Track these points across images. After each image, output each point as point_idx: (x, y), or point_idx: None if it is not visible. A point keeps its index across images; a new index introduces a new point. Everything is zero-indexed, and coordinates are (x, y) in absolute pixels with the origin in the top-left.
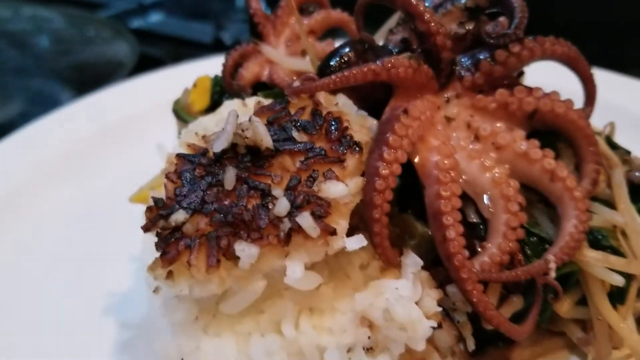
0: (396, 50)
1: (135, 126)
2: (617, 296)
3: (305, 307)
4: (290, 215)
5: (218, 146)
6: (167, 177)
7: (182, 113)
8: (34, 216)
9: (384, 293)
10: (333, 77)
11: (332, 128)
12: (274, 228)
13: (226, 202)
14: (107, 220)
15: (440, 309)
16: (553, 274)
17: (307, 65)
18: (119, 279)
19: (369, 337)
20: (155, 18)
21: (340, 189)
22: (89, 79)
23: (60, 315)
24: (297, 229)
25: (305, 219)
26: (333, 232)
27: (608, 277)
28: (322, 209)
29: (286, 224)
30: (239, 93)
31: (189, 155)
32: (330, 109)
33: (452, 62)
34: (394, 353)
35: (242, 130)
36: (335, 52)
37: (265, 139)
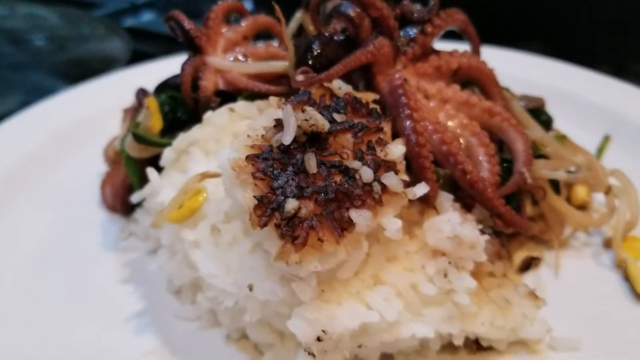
0: (341, 38)
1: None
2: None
3: (385, 258)
4: (375, 179)
5: (288, 139)
6: (253, 176)
7: (146, 136)
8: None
9: (443, 226)
10: (342, 63)
11: (358, 105)
12: (368, 193)
13: (320, 184)
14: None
15: (480, 226)
16: (530, 181)
17: (269, 66)
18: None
19: (449, 262)
20: (147, 17)
21: (400, 149)
22: (85, 73)
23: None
24: (384, 188)
25: (391, 178)
26: (409, 185)
27: (553, 175)
28: (392, 169)
29: (377, 187)
30: (206, 105)
31: (261, 154)
32: (340, 92)
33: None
34: (468, 269)
35: (306, 120)
36: (308, 47)
37: (326, 124)
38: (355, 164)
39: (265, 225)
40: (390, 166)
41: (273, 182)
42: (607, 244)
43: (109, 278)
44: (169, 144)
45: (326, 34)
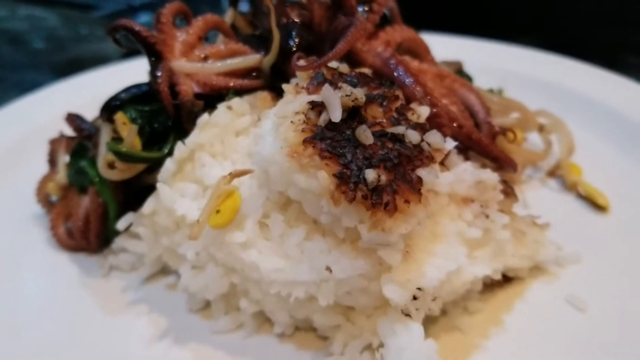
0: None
1: None
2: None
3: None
4: (422, 139)
5: (337, 115)
6: (321, 156)
7: (135, 153)
8: None
9: (464, 176)
10: (344, 43)
11: (367, 79)
12: (420, 151)
13: (380, 152)
14: None
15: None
16: (498, 128)
17: (243, 62)
18: None
19: (481, 206)
20: (144, 18)
21: (427, 110)
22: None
23: None
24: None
25: (435, 136)
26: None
27: (504, 122)
28: (426, 129)
29: (425, 146)
30: (190, 110)
31: (316, 136)
32: (343, 70)
33: None
34: (495, 208)
35: (347, 95)
36: (288, 35)
37: (363, 97)
38: (400, 130)
39: (353, 199)
40: (424, 127)
41: (341, 158)
42: (549, 173)
43: (117, 316)
44: (164, 157)
45: (296, 24)
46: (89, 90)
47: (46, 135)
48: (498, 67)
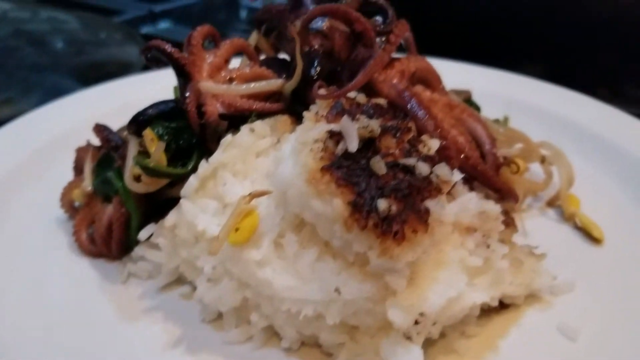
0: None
1: None
2: None
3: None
4: (431, 171)
5: (354, 145)
6: (337, 184)
7: (162, 168)
8: None
9: (469, 205)
10: (364, 74)
11: (382, 110)
12: (429, 183)
13: (392, 182)
14: None
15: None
16: (502, 160)
17: (267, 85)
18: None
19: (483, 235)
20: (163, 25)
21: (437, 143)
22: (102, 77)
23: None
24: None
25: (443, 169)
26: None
27: (508, 152)
28: (435, 162)
29: (434, 178)
30: (214, 130)
31: (333, 164)
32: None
33: None
34: (495, 238)
35: (364, 127)
36: (310, 63)
37: (379, 128)
38: (411, 161)
39: (365, 226)
40: (433, 159)
41: (356, 187)
42: (549, 203)
43: (133, 322)
44: (188, 173)
45: (318, 51)
46: (114, 98)
47: (72, 142)
48: (503, 94)
